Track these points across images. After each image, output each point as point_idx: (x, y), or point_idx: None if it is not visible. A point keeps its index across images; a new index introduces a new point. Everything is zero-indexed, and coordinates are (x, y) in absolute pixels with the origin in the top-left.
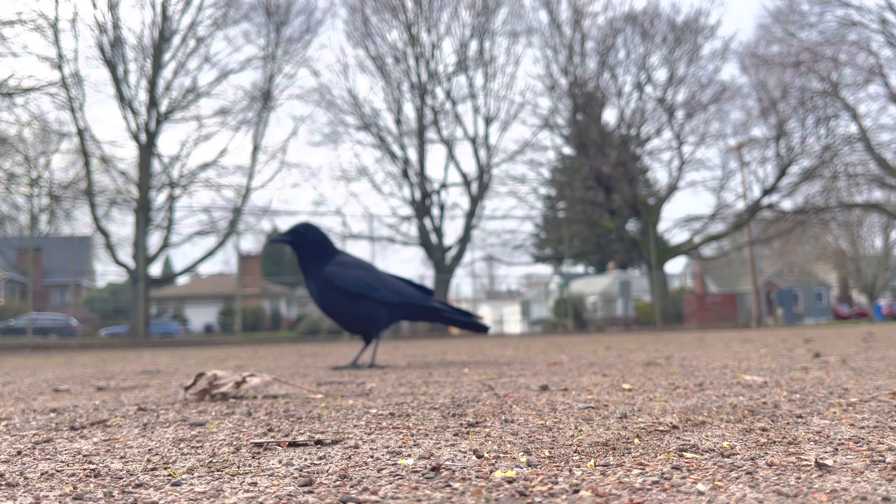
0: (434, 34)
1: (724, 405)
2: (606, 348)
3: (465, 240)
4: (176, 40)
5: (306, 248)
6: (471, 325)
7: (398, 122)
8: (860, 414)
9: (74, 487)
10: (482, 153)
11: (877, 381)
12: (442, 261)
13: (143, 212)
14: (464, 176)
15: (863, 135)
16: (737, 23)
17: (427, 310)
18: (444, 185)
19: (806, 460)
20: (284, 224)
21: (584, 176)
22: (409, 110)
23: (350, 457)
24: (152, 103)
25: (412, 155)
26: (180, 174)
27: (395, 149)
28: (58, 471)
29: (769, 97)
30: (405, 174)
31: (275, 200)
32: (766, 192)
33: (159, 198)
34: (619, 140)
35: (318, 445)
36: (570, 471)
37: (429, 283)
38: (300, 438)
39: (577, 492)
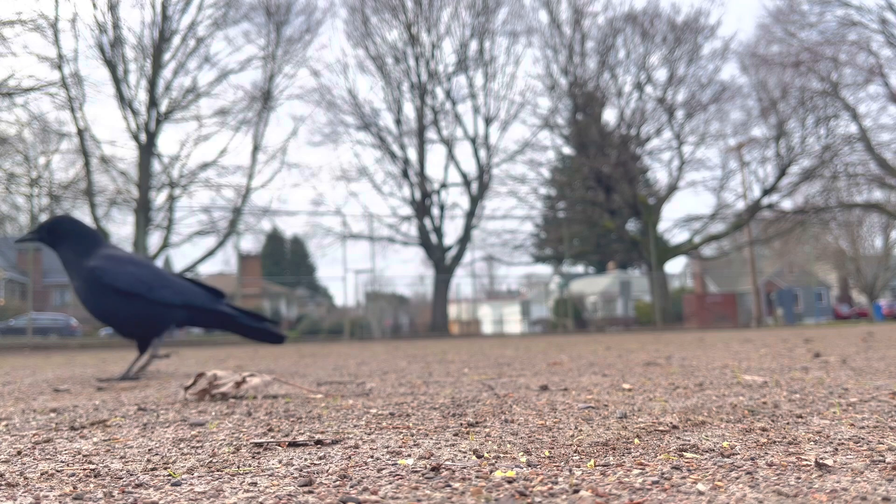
0: (434, 34)
1: (724, 405)
2: (606, 348)
3: (465, 240)
4: (176, 40)
5: (65, 243)
6: (264, 333)
7: (398, 122)
8: (860, 414)
9: (74, 487)
10: (482, 153)
11: (877, 381)
12: (442, 261)
13: (143, 212)
14: (464, 176)
15: (863, 135)
16: (737, 23)
17: (215, 314)
18: (444, 185)
19: (806, 460)
20: (285, 224)
21: (584, 176)
22: (409, 110)
23: (350, 457)
24: (152, 103)
25: (412, 155)
26: (180, 174)
27: (395, 149)
28: (58, 471)
29: (769, 97)
30: (405, 174)
31: (275, 200)
32: (766, 192)
33: (159, 198)
34: (619, 140)
35: (318, 445)
36: (570, 471)
37: (428, 282)
38: (300, 438)
39: (577, 492)
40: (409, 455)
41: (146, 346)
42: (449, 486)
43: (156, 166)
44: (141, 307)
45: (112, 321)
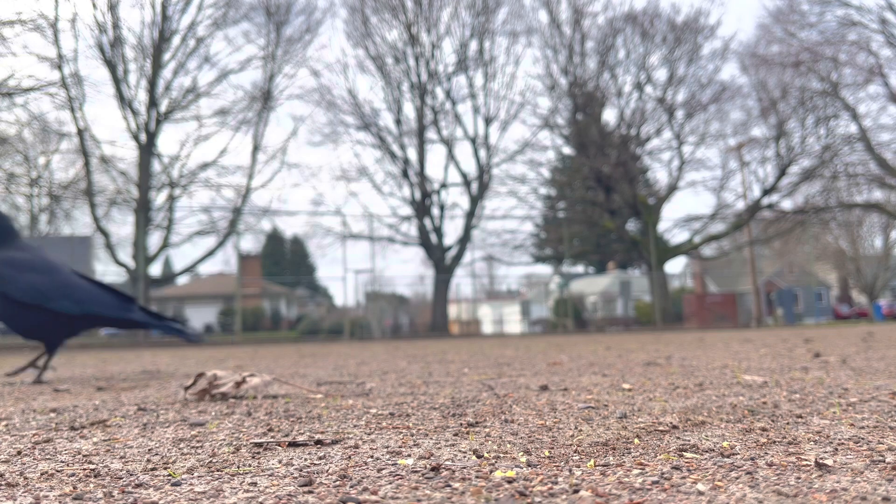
0: (434, 34)
1: (724, 405)
2: (606, 348)
3: (465, 240)
4: (176, 40)
5: None
6: (178, 333)
7: (398, 122)
8: (860, 414)
9: (74, 487)
10: (482, 153)
11: (877, 381)
12: (442, 261)
13: (143, 212)
14: (464, 176)
15: (863, 135)
16: (737, 23)
17: (122, 321)
18: (444, 185)
19: (806, 460)
20: (284, 224)
21: (584, 176)
22: (409, 110)
23: (350, 457)
24: (152, 103)
25: (412, 155)
26: (180, 174)
27: (395, 149)
28: (58, 471)
29: (769, 97)
30: (405, 174)
31: (275, 200)
32: (766, 192)
33: (159, 198)
34: (619, 140)
35: (318, 445)
36: (570, 471)
37: (428, 282)
38: (300, 438)
39: (577, 492)
40: (409, 455)
41: (52, 350)
42: (449, 486)
43: (156, 166)
44: (38, 317)
45: (13, 328)
